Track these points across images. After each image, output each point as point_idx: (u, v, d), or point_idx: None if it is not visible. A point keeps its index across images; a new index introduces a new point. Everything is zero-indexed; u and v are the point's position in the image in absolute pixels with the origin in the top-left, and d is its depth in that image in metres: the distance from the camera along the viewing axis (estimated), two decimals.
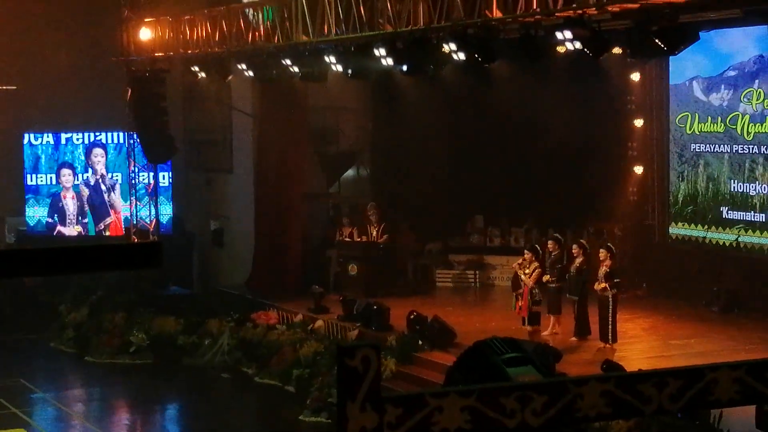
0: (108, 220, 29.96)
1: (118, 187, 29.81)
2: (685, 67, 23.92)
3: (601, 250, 20.40)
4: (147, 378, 24.27)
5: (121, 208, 29.74)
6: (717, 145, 23.59)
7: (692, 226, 24.23)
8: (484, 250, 27.08)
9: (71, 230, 29.80)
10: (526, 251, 21.16)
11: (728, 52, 23.18)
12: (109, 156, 29.80)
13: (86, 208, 29.85)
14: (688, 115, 24.09)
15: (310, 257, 27.09)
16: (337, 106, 27.90)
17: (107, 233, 29.77)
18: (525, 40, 18.62)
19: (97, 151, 29.82)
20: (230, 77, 25.92)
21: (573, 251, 20.88)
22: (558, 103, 24.61)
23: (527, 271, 20.64)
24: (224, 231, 29.80)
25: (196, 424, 21.83)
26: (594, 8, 17.38)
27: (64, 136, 29.78)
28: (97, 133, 29.76)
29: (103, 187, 29.85)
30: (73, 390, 24.28)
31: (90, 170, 29.77)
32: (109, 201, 29.91)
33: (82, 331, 26.28)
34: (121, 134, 29.15)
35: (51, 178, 29.74)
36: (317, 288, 24.67)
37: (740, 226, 23.04)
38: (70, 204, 29.81)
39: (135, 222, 28.81)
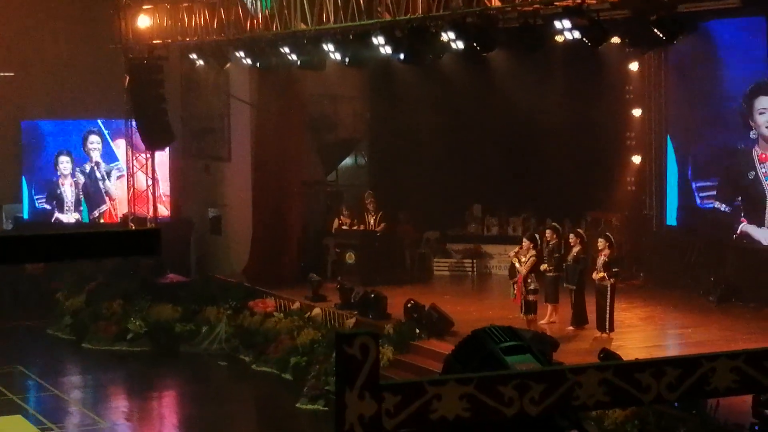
0: (103, 208, 29.95)
1: (114, 174, 29.82)
2: None
3: (600, 240, 20.41)
4: (144, 365, 24.30)
5: (117, 195, 29.75)
6: None
7: None
8: (481, 239, 27.08)
9: (69, 217, 29.80)
10: (525, 239, 21.16)
11: None
12: (107, 143, 29.81)
13: (81, 195, 29.84)
14: None
15: (308, 245, 27.09)
16: (335, 95, 27.89)
17: (102, 221, 29.77)
18: (524, 29, 18.62)
19: (93, 138, 29.83)
20: (228, 65, 25.92)
21: (570, 240, 20.87)
22: (556, 93, 24.60)
23: (523, 259, 20.64)
24: (222, 219, 29.79)
25: (193, 412, 21.84)
26: None
27: (62, 123, 29.77)
28: (95, 120, 29.76)
29: (98, 175, 29.84)
30: (70, 377, 24.29)
31: (87, 157, 29.80)
32: (104, 188, 29.90)
33: (80, 318, 26.29)
34: (119, 121, 29.13)
35: (49, 165, 29.73)
36: (315, 276, 24.68)
37: None
38: (68, 191, 29.81)
39: (132, 209, 28.81)
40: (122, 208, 29.57)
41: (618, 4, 18.14)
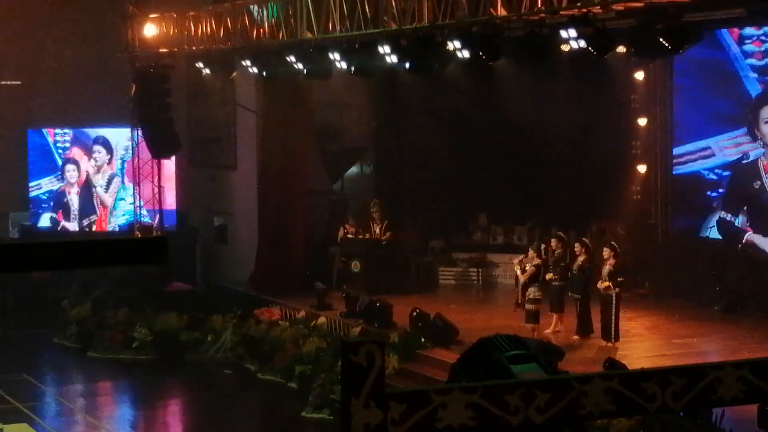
0: (93, 218, 29.88)
1: (115, 182, 29.79)
2: None
3: (605, 249, 20.40)
4: (150, 373, 24.28)
5: (111, 204, 29.73)
6: None
7: None
8: (487, 248, 27.06)
9: (75, 225, 29.81)
10: (531, 249, 21.17)
11: None
12: (113, 151, 29.80)
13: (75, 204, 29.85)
14: None
15: (314, 254, 27.08)
16: (341, 103, 27.89)
17: (93, 229, 29.68)
18: (530, 38, 18.61)
19: (99, 147, 29.84)
20: (234, 74, 25.95)
21: (575, 250, 20.87)
22: (562, 102, 24.60)
23: (527, 267, 20.63)
24: (228, 227, 29.81)
25: (199, 420, 21.84)
26: (599, 7, 17.39)
27: (68, 132, 29.79)
28: (102, 128, 29.78)
29: (98, 183, 29.80)
30: (75, 385, 24.30)
31: (93, 165, 29.83)
32: (99, 198, 29.84)
33: (86, 327, 26.30)
34: (125, 130, 29.15)
35: (56, 173, 29.74)
36: (320, 285, 24.68)
37: None
38: (74, 199, 29.81)
39: (138, 218, 28.83)
40: (117, 219, 29.57)
41: (624, 13, 18.14)
